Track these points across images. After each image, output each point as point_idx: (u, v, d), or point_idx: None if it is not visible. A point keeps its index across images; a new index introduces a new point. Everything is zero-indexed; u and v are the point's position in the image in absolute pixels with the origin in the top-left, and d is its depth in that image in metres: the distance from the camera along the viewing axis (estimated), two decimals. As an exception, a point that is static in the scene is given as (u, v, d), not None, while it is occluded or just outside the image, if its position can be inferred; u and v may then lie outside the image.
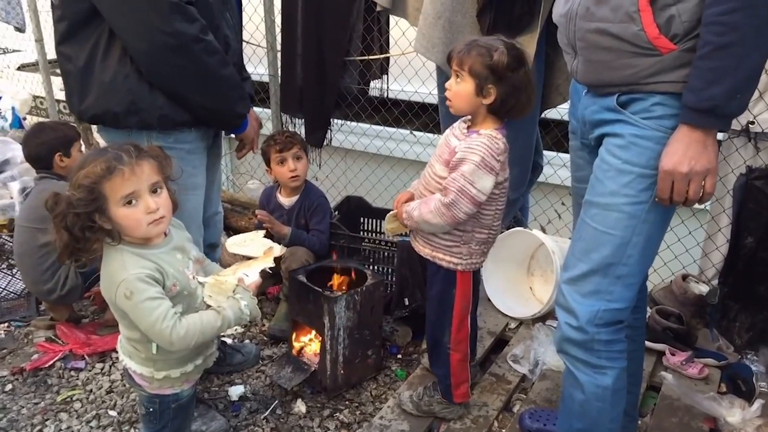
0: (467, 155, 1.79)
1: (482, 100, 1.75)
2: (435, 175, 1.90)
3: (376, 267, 2.97)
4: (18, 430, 2.35)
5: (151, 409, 1.70)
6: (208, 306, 1.66)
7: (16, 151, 4.07)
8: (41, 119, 4.68)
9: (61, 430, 2.36)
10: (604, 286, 1.42)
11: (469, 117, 1.86)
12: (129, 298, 1.48)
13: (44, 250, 2.74)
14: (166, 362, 1.65)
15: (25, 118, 4.48)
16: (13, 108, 4.28)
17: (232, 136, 2.36)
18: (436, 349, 2.07)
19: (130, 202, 1.48)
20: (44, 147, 2.83)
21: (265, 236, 2.51)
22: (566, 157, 2.98)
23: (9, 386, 2.59)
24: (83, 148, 2.94)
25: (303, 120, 3.49)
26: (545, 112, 2.79)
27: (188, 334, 1.52)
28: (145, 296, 1.49)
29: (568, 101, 1.74)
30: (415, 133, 3.64)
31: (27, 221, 2.81)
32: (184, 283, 1.61)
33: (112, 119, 1.97)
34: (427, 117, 3.60)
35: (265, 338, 2.89)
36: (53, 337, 2.90)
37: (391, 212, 2.06)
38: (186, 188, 1.96)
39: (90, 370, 2.70)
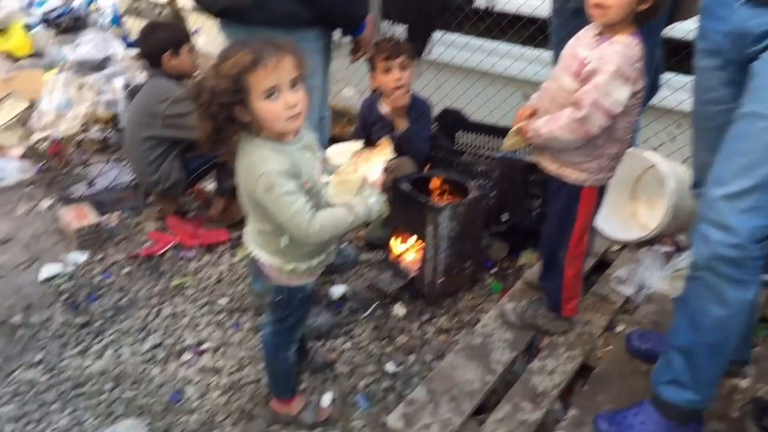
0: (601, 65, 1.71)
1: (641, 5, 1.65)
2: (563, 88, 1.83)
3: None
4: (138, 309, 2.51)
5: (279, 298, 1.78)
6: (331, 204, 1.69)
7: (117, 48, 4.15)
8: (138, 19, 4.74)
9: (176, 312, 2.51)
10: (765, 201, 1.37)
11: (599, 24, 1.76)
12: (269, 191, 1.52)
13: (150, 143, 2.85)
14: (294, 255, 1.70)
15: (122, 16, 4.54)
16: (113, 5, 4.33)
17: (342, 41, 2.32)
18: (552, 262, 2.06)
19: (271, 96, 1.49)
20: (156, 45, 2.87)
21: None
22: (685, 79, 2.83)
23: (126, 269, 2.76)
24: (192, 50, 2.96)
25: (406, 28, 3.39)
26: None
27: (323, 228, 1.55)
28: (285, 190, 1.52)
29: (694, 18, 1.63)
30: (520, 47, 3.49)
31: (135, 115, 2.91)
32: (314, 181, 1.64)
33: (239, 13, 1.97)
34: (528, 30, 3.45)
35: (361, 244, 2.94)
36: (163, 229, 3.04)
37: (513, 128, 2.00)
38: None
39: (199, 260, 2.84)
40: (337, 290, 2.60)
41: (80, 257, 2.81)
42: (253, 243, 1.75)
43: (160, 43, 2.86)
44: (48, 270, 2.70)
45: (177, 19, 3.91)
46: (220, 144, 1.57)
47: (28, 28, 3.97)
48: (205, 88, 1.50)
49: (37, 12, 4.03)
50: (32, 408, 2.03)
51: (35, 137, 3.76)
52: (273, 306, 1.82)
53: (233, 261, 2.84)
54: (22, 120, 3.77)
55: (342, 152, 2.36)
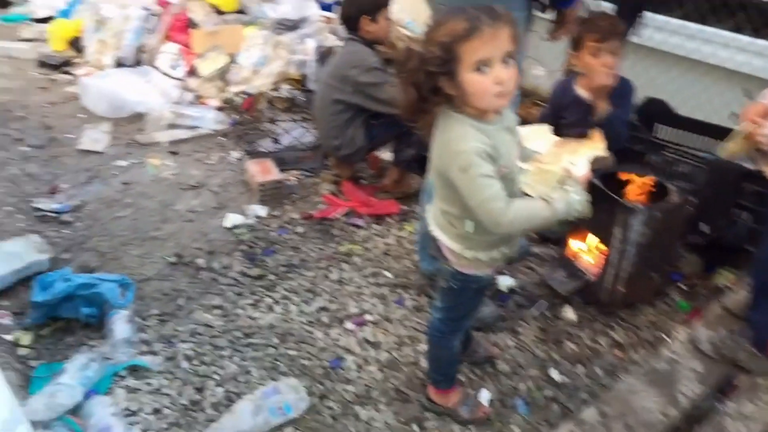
0: None
1: None
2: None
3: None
4: (308, 269, 2.57)
5: (452, 285, 1.69)
6: (525, 194, 1.56)
7: (313, 9, 4.25)
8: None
9: (342, 278, 2.53)
10: None
11: None
12: (465, 170, 1.42)
13: (338, 107, 2.87)
14: (477, 243, 1.60)
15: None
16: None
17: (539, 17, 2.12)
18: (764, 293, 1.77)
19: (481, 69, 1.38)
20: (354, 8, 2.87)
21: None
22: None
23: (300, 228, 2.84)
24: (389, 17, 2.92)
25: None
26: None
27: (516, 219, 1.43)
28: (481, 172, 1.41)
29: None
30: (744, 37, 3.05)
31: (329, 77, 2.94)
32: (511, 166, 1.51)
33: None
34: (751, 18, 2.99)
35: (533, 236, 2.77)
36: (337, 192, 3.09)
37: (739, 130, 1.72)
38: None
39: (367, 229, 2.84)
40: (505, 281, 2.48)
41: (261, 210, 2.93)
42: (435, 223, 1.68)
43: (360, 6, 2.85)
44: (232, 219, 2.85)
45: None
46: (420, 114, 1.50)
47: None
48: (413, 54, 1.43)
49: (247, -30, 4.25)
50: (206, 350, 2.15)
51: (232, 90, 3.99)
52: (445, 292, 1.74)
53: (401, 234, 2.82)
54: (222, 73, 4.00)
55: (530, 136, 2.20)
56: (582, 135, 2.20)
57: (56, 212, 2.84)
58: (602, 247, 2.32)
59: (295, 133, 3.54)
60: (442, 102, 1.47)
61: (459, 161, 1.43)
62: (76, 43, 4.61)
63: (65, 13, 4.96)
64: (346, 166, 3.11)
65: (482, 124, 1.46)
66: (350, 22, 2.89)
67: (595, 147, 1.55)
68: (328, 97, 2.89)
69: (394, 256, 2.67)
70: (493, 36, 1.36)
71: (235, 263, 2.59)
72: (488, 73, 1.39)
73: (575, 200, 1.48)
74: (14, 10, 5.56)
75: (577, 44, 2.47)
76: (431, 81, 1.41)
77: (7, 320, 2.17)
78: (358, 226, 2.86)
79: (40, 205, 2.86)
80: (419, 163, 3.06)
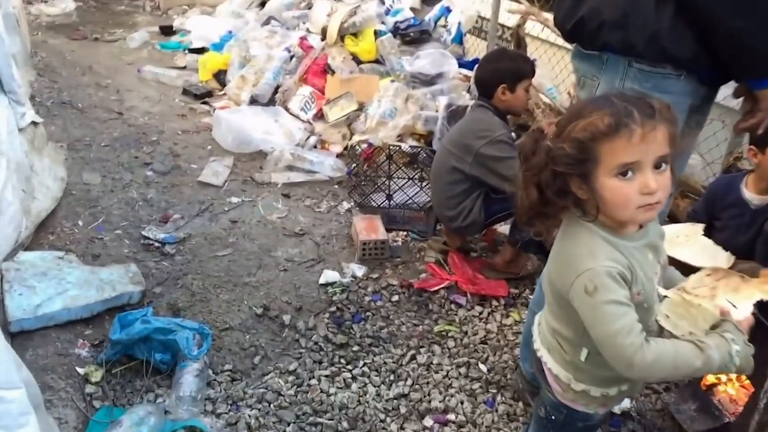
0: None
1: None
2: None
3: None
4: (396, 345, 2.35)
5: (552, 417, 1.41)
6: (661, 328, 1.24)
7: (451, 66, 4.13)
8: (479, 40, 4.69)
9: (431, 363, 2.29)
10: None
11: None
12: (590, 294, 1.15)
13: (456, 176, 2.66)
14: (591, 376, 1.31)
15: (465, 35, 4.53)
16: (459, 23, 4.34)
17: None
18: None
19: (625, 174, 1.11)
20: (493, 74, 2.67)
21: (705, 234, 1.98)
22: None
23: (396, 297, 2.63)
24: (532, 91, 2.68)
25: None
26: None
27: (656, 363, 1.13)
28: (612, 297, 1.14)
29: None
30: None
31: (449, 142, 2.74)
32: (649, 292, 1.22)
33: (590, 32, 1.55)
34: None
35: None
36: (442, 262, 2.86)
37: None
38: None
39: (469, 310, 2.59)
40: (622, 402, 2.10)
41: (358, 270, 2.77)
42: (541, 340, 1.41)
43: (500, 73, 2.64)
44: (327, 275, 2.71)
45: (519, 45, 3.71)
46: (542, 219, 1.25)
47: (378, 34, 4.16)
48: (541, 148, 1.19)
49: (390, 20, 4.21)
50: (270, 421, 1.99)
51: (355, 138, 3.93)
52: (542, 423, 1.46)
53: (505, 322, 2.53)
54: (349, 120, 3.96)
55: (673, 238, 1.86)
56: (740, 253, 1.83)
57: (161, 242, 2.85)
58: (748, 383, 1.91)
59: (409, 191, 3.37)
60: (568, 206, 1.22)
61: (584, 281, 1.16)
62: (220, 76, 4.81)
63: (217, 47, 5.22)
64: (457, 236, 2.89)
65: (618, 239, 1.19)
66: (485, 87, 2.69)
67: (764, 291, 1.21)
68: (446, 164, 2.68)
69: (493, 347, 2.38)
70: (645, 136, 1.10)
71: (320, 326, 2.43)
72: (634, 179, 1.12)
73: (736, 352, 1.15)
74: (175, 39, 5.96)
75: (764, 140, 2.05)
76: (559, 182, 1.17)
77: (85, 351, 2.14)
78: (458, 305, 2.61)
79: (148, 234, 2.88)
80: (538, 244, 2.77)
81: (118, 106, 4.38)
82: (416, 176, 3.43)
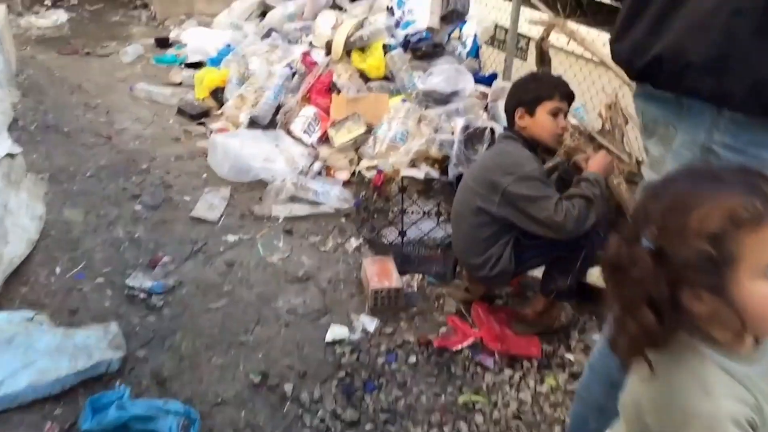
0: None
1: None
2: None
3: None
4: (415, 422, 2.05)
5: None
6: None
7: (468, 83, 3.83)
8: (496, 51, 4.39)
9: (457, 444, 1.98)
10: None
11: None
12: None
13: (481, 218, 2.34)
14: None
15: (481, 47, 4.22)
16: (475, 35, 4.04)
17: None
18: None
19: None
20: (511, 96, 2.40)
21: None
22: None
23: (413, 358, 2.34)
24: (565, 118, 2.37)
25: None
26: None
27: None
28: None
29: None
30: None
31: (473, 179, 2.42)
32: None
33: (670, 74, 1.23)
34: None
35: None
36: (464, 313, 2.56)
37: None
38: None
39: (497, 373, 2.29)
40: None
41: (370, 324, 2.48)
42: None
43: (517, 95, 2.36)
44: (335, 332, 2.42)
45: (543, 60, 3.39)
46: (652, 343, 0.92)
47: (387, 49, 3.87)
48: (642, 253, 0.88)
49: (400, 34, 3.91)
50: None
51: (363, 164, 3.63)
52: None
53: (540, 390, 2.22)
54: (357, 144, 3.66)
55: None
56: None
57: (148, 292, 2.56)
58: None
59: (426, 225, 3.07)
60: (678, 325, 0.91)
61: (697, 427, 0.86)
62: (218, 94, 4.53)
63: (215, 62, 4.94)
64: (482, 284, 2.58)
65: (736, 364, 0.89)
66: (507, 113, 2.41)
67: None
68: (469, 204, 2.36)
69: (528, 423, 2.08)
70: None
71: (327, 397, 2.13)
72: None
73: None
74: (171, 52, 5.68)
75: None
76: (668, 293, 0.87)
77: (52, 438, 1.85)
78: (485, 367, 2.31)
79: (133, 282, 2.60)
80: (577, 293, 2.47)
81: (107, 129, 4.10)
82: (432, 210, 3.13)
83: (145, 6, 7.49)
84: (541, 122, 2.32)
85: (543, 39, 3.44)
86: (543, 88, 2.33)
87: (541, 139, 2.37)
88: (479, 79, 4.00)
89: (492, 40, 4.33)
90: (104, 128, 4.11)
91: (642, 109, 1.40)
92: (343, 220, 3.27)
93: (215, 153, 3.63)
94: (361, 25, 4.00)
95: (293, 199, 3.38)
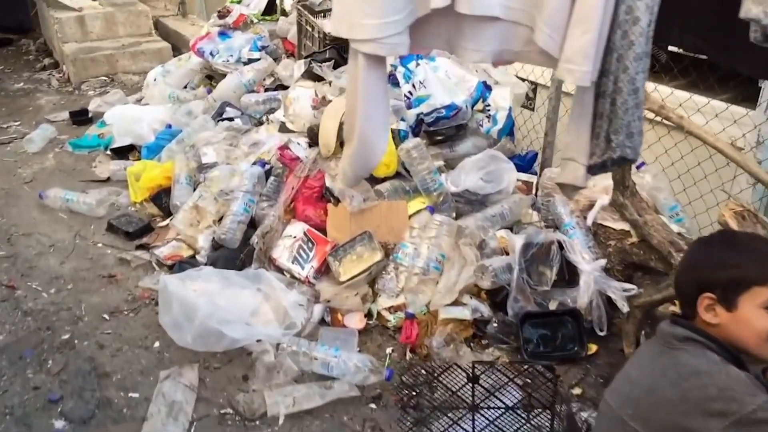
0: None
1: None
2: None
3: None
4: None
5: None
6: None
7: (509, 176, 2.94)
8: (527, 112, 3.52)
9: None
10: None
11: None
12: None
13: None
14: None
15: (515, 123, 3.35)
16: (509, 109, 3.15)
17: None
18: None
19: None
20: (689, 273, 1.50)
21: None
22: None
23: None
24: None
25: None
26: None
27: None
28: None
29: None
30: None
31: (629, 414, 1.46)
32: None
33: None
34: None
35: None
36: None
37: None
38: None
39: None
40: None
41: None
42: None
43: (699, 272, 1.48)
44: None
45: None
46: None
47: (398, 136, 2.95)
48: None
49: (412, 114, 2.99)
50: None
51: (382, 303, 2.69)
52: None
53: None
54: (372, 274, 2.71)
55: None
56: None
57: None
58: None
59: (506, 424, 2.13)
60: None
61: None
62: (161, 198, 3.50)
63: (152, 150, 3.90)
64: None
65: None
66: (683, 297, 1.51)
67: None
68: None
69: None
70: None
71: None
72: None
73: None
74: (91, 131, 4.57)
75: None
76: None
77: None
78: None
79: None
80: None
81: (9, 272, 3.02)
82: (499, 363, 2.19)
83: (56, 65, 6.38)
84: (746, 320, 1.42)
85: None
86: (749, 263, 1.44)
87: (746, 346, 1.46)
88: (522, 164, 3.13)
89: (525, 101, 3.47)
90: (3, 270, 3.03)
91: None
92: (372, 407, 2.30)
93: (169, 308, 2.59)
94: (356, 104, 3.06)
95: (291, 374, 2.40)
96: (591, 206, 2.85)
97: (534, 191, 3.06)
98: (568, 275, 2.63)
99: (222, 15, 4.47)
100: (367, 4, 1.57)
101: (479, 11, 1.57)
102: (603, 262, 2.57)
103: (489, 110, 3.20)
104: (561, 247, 2.63)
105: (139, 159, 4.05)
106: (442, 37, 1.70)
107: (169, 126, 4.02)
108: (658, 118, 2.82)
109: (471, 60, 1.78)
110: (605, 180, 2.89)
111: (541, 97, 3.36)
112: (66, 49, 5.95)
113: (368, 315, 2.71)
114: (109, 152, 4.24)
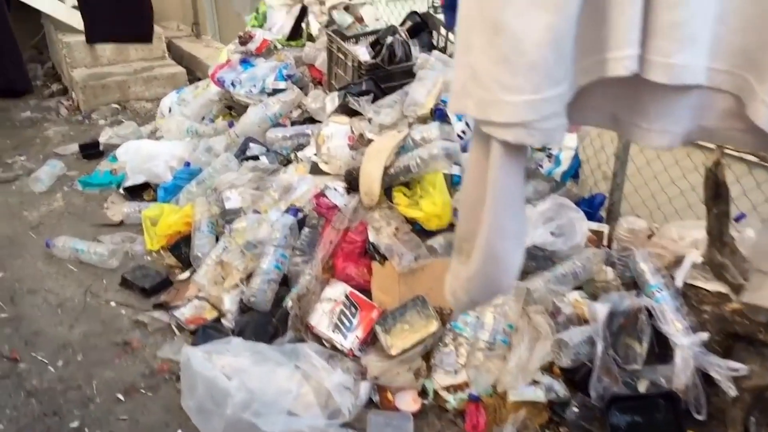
0: None
1: None
2: None
3: None
4: None
5: None
6: None
7: (581, 227, 2.59)
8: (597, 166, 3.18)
9: None
10: None
11: None
12: None
13: None
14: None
15: (581, 164, 3.01)
16: (576, 148, 2.80)
17: None
18: None
19: None
20: None
21: None
22: None
23: None
24: None
25: None
26: None
27: None
28: None
29: None
30: None
31: None
32: None
33: None
34: None
35: None
36: None
37: None
38: None
39: None
40: None
41: None
42: None
43: None
44: None
45: (717, 195, 2.19)
46: None
47: (452, 184, 2.62)
48: None
49: (465, 157, 2.66)
50: None
51: (440, 381, 2.35)
52: None
53: None
54: (427, 347, 2.37)
55: None
56: None
57: None
58: None
59: None
60: None
61: None
62: (180, 247, 3.18)
63: (169, 191, 3.59)
64: None
65: None
66: None
67: None
68: None
69: None
70: None
71: None
72: None
73: None
74: (103, 166, 4.29)
75: None
76: None
77: None
78: None
79: None
80: None
81: (11, 340, 2.70)
82: None
83: (65, 92, 6.11)
84: None
85: (718, 164, 2.25)
86: None
87: None
88: (590, 210, 2.79)
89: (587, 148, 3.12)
90: (4, 338, 2.71)
91: None
92: None
93: (194, 390, 2.26)
94: (401, 146, 2.74)
95: (341, 475, 2.06)
96: (676, 263, 2.51)
97: (607, 243, 2.71)
98: (658, 348, 2.29)
99: (243, 41, 4.17)
100: (510, 69, 1.03)
101: (679, 80, 1.02)
102: (705, 336, 2.21)
103: (550, 149, 2.86)
104: (649, 314, 2.28)
105: (154, 199, 3.76)
106: (606, 111, 1.18)
107: (188, 164, 3.71)
108: (755, 159, 2.48)
109: (652, 145, 1.15)
110: (692, 231, 2.55)
111: (609, 132, 3.02)
112: (75, 75, 5.69)
113: (422, 393, 2.37)
114: (122, 191, 3.94)
